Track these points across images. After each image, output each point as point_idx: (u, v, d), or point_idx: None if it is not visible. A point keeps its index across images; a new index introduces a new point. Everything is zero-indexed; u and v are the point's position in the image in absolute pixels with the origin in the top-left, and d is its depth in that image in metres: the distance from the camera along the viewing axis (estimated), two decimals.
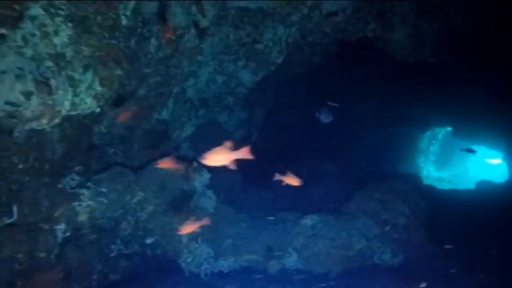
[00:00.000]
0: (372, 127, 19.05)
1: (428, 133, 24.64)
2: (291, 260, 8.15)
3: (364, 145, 19.57)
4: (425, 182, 19.62)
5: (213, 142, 11.70)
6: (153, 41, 7.44)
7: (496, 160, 24.86)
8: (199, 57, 8.80)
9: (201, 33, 8.45)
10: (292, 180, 6.59)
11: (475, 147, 26.74)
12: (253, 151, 5.07)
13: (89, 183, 6.72)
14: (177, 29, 7.62)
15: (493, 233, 9.88)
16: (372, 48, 12.30)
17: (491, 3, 10.70)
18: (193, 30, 8.05)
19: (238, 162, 5.20)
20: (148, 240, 7.77)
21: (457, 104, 17.56)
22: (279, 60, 9.92)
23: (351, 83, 15.67)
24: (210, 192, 8.43)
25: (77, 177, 6.56)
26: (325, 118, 10.25)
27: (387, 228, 8.27)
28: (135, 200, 7.31)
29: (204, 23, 8.22)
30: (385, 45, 11.63)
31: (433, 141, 26.05)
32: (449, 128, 21.73)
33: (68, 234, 6.21)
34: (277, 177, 6.66)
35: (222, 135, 11.75)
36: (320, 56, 13.28)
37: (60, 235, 6.09)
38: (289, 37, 9.74)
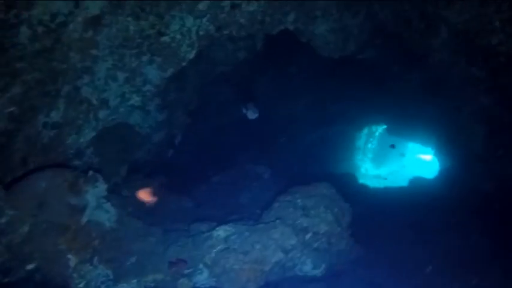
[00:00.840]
0: (307, 126, 18.46)
1: (366, 131, 24.55)
2: (202, 278, 7.15)
3: (300, 145, 18.93)
4: (363, 180, 19.29)
5: (123, 146, 10.48)
6: (24, 29, 6.16)
7: (428, 156, 25.20)
8: (94, 51, 7.57)
9: (93, 23, 7.23)
10: (145, 195, 5.59)
11: (409, 144, 26.97)
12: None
13: None
14: (56, 15, 6.37)
15: (423, 234, 9.42)
16: (299, 42, 11.61)
17: None
18: (80, 19, 6.83)
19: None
20: (29, 267, 6.48)
21: (390, 101, 17.40)
22: (190, 55, 8.86)
23: (281, 80, 14.96)
24: (107, 205, 7.24)
25: None
26: (252, 114, 9.54)
27: (308, 236, 7.44)
28: (3, 220, 6.01)
29: (93, 10, 7.01)
30: (309, 40, 10.91)
31: (371, 139, 26.06)
32: (385, 126, 21.66)
33: None
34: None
35: (135, 139, 10.53)
36: (245, 51, 12.41)
37: None
38: (201, 29, 8.71)
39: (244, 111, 9.58)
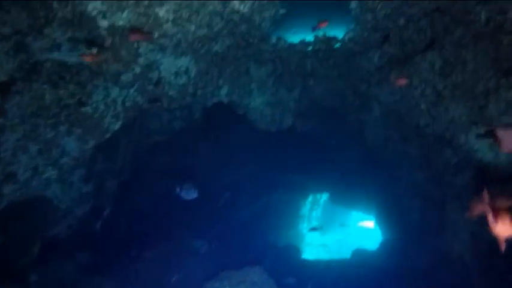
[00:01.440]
0: (250, 195, 17.85)
1: (310, 198, 24.21)
2: None
3: (242, 215, 18.18)
4: (308, 249, 18.64)
5: (36, 222, 9.36)
6: None
7: (370, 223, 25.15)
8: (0, 120, 6.75)
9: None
10: None
11: (352, 212, 26.88)
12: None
13: None
14: None
15: None
16: (236, 114, 11.31)
17: (347, 75, 10.42)
18: None
19: None
20: None
21: (332, 171, 17.30)
22: (115, 127, 8.22)
23: (221, 150, 14.49)
24: None
25: None
26: (187, 195, 8.89)
27: None
28: None
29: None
30: (245, 112, 10.64)
31: (315, 207, 25.66)
32: (327, 194, 21.45)
33: None
34: None
35: (53, 213, 9.46)
36: (181, 121, 11.92)
37: None
38: (127, 99, 8.16)
39: (178, 191, 8.98)
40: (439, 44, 7.77)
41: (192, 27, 6.47)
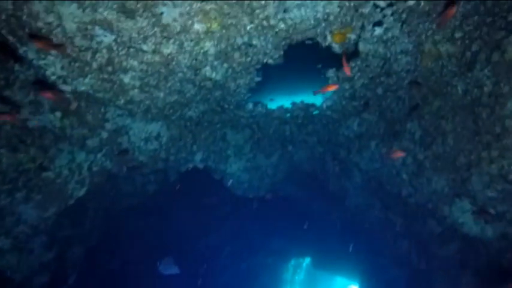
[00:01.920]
0: (231, 259, 16.95)
1: (292, 262, 23.25)
2: None
3: (223, 279, 17.16)
4: None
5: None
6: None
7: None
8: None
9: None
10: None
11: (336, 277, 25.74)
12: None
13: None
14: None
15: None
16: (213, 178, 10.79)
17: (327, 142, 10.12)
18: None
19: None
20: None
21: (313, 236, 16.65)
22: (80, 193, 7.60)
23: (199, 214, 13.80)
24: None
25: None
26: (166, 269, 8.24)
27: None
28: None
29: None
30: (222, 178, 10.12)
31: (298, 270, 24.65)
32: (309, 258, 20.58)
33: None
34: None
35: (3, 286, 8.54)
36: (156, 185, 11.31)
37: None
38: (95, 164, 7.61)
39: (158, 264, 8.41)
40: (418, 114, 7.53)
41: (161, 94, 6.11)
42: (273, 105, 8.46)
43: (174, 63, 5.44)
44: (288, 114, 8.75)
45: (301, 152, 10.57)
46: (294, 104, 8.37)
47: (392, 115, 8.30)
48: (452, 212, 7.71)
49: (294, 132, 9.87)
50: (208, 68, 5.93)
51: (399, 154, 7.23)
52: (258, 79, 7.00)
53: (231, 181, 10.01)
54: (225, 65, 6.11)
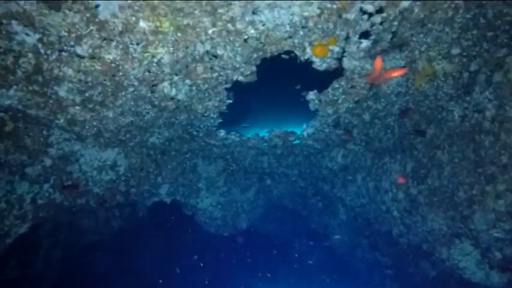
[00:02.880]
0: None
1: None
2: None
3: None
4: None
5: None
6: None
7: None
8: None
9: None
10: None
11: None
12: None
13: None
14: None
15: None
16: (184, 214, 9.55)
17: (309, 175, 9.05)
18: None
19: None
20: None
21: (295, 276, 15.26)
22: (21, 230, 6.30)
23: (171, 252, 12.39)
24: None
25: None
26: None
27: None
28: None
29: None
30: (193, 214, 8.91)
31: None
32: None
33: None
34: None
35: None
36: (121, 220, 10.00)
37: None
38: (40, 196, 6.36)
39: None
40: (410, 144, 6.55)
41: (110, 114, 5.00)
42: (248, 133, 7.40)
43: (120, 73, 4.38)
44: (265, 144, 7.69)
45: (281, 186, 9.45)
46: (271, 131, 7.31)
47: (380, 145, 7.31)
48: (451, 255, 6.59)
49: (272, 164, 8.78)
50: (166, 84, 4.87)
51: (401, 180, 6.27)
52: (228, 101, 5.97)
53: (202, 217, 8.80)
54: (187, 81, 5.07)
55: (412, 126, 6.52)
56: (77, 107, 4.69)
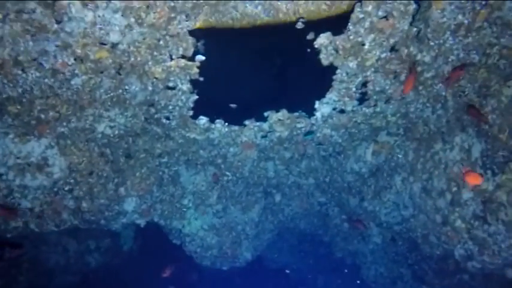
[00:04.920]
0: None
1: None
2: None
3: None
4: None
5: None
6: None
7: None
8: None
9: None
10: None
11: None
12: None
13: None
14: None
15: None
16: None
17: (329, 185, 6.75)
18: None
19: None
20: None
21: None
22: None
23: None
24: None
25: None
26: None
27: None
28: None
29: None
30: (181, 243, 6.65)
31: None
32: None
33: None
34: None
35: None
36: (99, 255, 7.84)
37: None
38: None
39: None
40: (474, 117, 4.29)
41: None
42: (239, 120, 5.23)
43: None
44: (265, 138, 5.49)
45: (294, 202, 7.14)
46: (268, 118, 5.07)
47: (427, 128, 5.05)
48: None
49: (280, 172, 6.53)
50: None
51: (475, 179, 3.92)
52: (200, 58, 3.91)
53: (191, 246, 6.52)
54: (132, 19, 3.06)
55: (474, 91, 4.26)
56: None
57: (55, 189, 4.66)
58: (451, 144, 4.66)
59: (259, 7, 3.50)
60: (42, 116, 3.81)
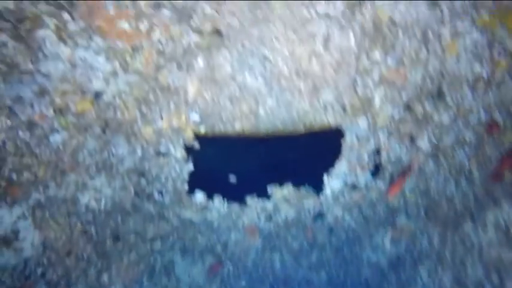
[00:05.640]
0: None
1: None
2: None
3: None
4: None
5: None
6: None
7: None
8: None
9: None
10: None
11: None
12: None
13: None
14: None
15: None
16: None
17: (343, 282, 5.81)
18: None
19: None
20: None
21: None
22: None
23: None
24: None
25: None
26: None
27: None
28: None
29: None
30: None
31: None
32: None
33: None
34: None
35: None
36: None
37: None
38: None
39: None
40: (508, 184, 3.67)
41: None
42: (239, 196, 4.65)
43: None
44: (270, 223, 4.84)
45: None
46: (271, 194, 4.49)
47: (452, 206, 4.39)
48: None
49: (288, 265, 5.71)
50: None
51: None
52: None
53: None
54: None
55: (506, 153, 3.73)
56: None
57: (21, 268, 3.99)
58: (483, 220, 3.96)
59: (260, 78, 3.26)
60: (14, 176, 3.38)
